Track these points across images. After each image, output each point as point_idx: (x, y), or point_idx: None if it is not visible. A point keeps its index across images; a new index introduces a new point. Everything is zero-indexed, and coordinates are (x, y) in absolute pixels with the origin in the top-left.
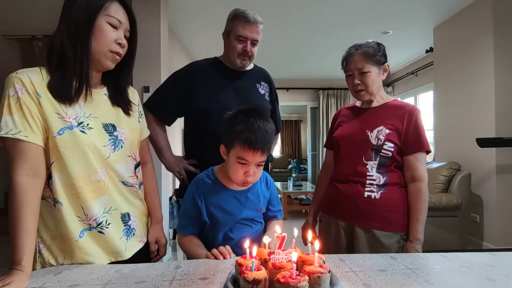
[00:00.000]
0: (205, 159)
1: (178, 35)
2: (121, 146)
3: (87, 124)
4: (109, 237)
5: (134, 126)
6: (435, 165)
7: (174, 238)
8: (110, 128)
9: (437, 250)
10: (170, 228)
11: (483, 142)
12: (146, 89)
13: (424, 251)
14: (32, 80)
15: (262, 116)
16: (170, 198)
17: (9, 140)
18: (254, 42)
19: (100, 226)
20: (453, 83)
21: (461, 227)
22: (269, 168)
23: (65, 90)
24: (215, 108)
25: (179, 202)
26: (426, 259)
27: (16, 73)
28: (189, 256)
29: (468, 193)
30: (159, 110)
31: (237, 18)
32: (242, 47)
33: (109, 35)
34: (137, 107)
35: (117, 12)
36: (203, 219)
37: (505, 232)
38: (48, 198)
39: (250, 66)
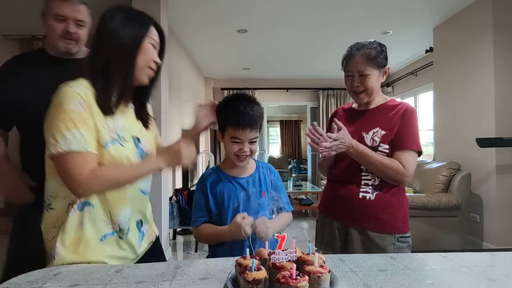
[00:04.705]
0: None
1: (177, 35)
2: (142, 157)
3: (123, 137)
4: (127, 243)
5: (151, 140)
6: (435, 165)
7: (174, 238)
8: (136, 141)
9: (437, 250)
10: (170, 228)
11: (483, 142)
12: None
13: (424, 251)
14: (88, 95)
15: (247, 99)
16: (170, 198)
17: (75, 153)
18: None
19: (121, 231)
20: (453, 83)
21: (461, 227)
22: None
23: (108, 103)
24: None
25: (179, 202)
26: (426, 259)
27: (71, 87)
28: (211, 241)
29: (468, 193)
30: None
31: None
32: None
33: (151, 54)
34: (154, 121)
35: (155, 35)
36: (210, 207)
37: (505, 232)
38: (75, 203)
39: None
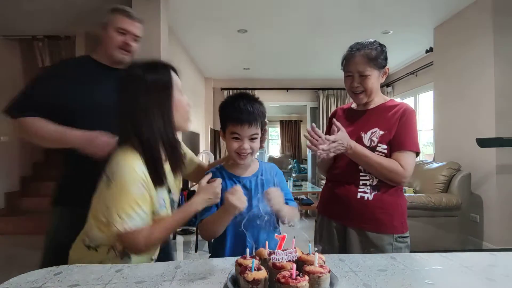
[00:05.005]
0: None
1: (177, 35)
2: (173, 206)
3: (165, 198)
4: None
5: (178, 185)
6: (435, 165)
7: (174, 238)
8: (169, 192)
9: (437, 250)
10: None
11: (483, 142)
12: None
13: (424, 251)
14: (145, 173)
15: (248, 98)
16: None
17: (139, 229)
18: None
19: None
20: (453, 83)
21: (461, 227)
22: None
23: (162, 178)
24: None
25: (179, 202)
26: (426, 259)
27: (134, 168)
28: (213, 229)
29: (468, 193)
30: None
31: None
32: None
33: (184, 103)
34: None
35: (177, 78)
36: (214, 205)
37: (505, 232)
38: (117, 249)
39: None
